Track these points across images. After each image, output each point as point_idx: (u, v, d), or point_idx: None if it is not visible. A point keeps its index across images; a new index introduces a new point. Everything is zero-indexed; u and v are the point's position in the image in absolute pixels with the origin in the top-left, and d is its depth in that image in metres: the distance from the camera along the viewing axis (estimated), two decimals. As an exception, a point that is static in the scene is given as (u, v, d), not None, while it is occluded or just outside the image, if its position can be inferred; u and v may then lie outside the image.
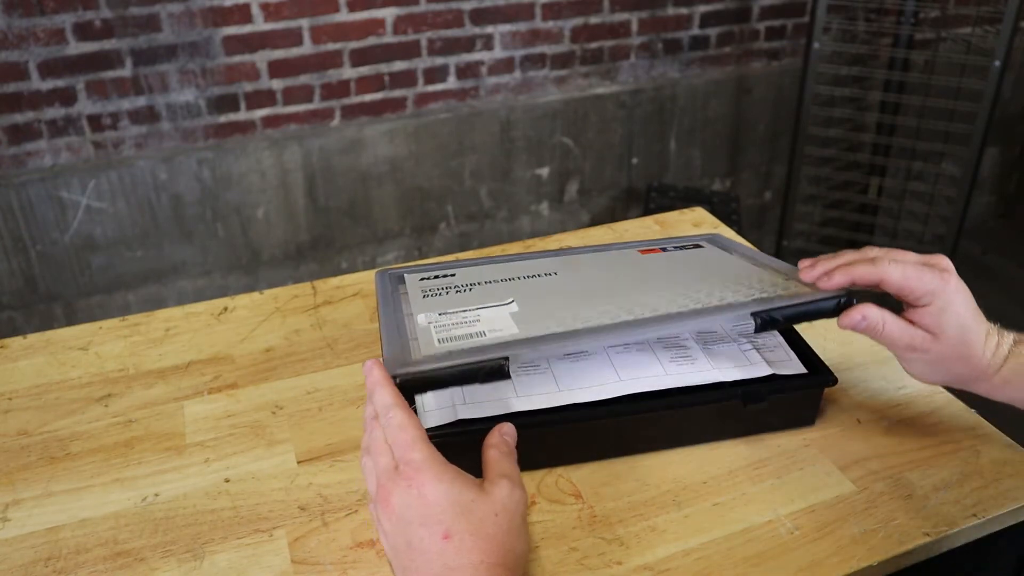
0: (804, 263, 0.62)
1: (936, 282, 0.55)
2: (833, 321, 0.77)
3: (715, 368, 0.63)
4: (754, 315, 0.59)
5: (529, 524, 0.57)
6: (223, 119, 1.81)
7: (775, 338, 0.67)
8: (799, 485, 0.60)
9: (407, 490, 0.46)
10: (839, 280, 0.58)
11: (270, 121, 1.85)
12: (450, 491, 0.46)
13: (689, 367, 0.63)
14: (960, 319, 0.56)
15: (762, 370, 0.63)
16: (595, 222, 2.23)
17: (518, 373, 0.62)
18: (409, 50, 1.89)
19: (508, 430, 0.53)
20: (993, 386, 0.57)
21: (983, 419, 0.66)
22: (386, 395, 0.51)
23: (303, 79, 1.83)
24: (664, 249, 0.77)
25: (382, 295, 0.69)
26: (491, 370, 0.56)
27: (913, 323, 0.57)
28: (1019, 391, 0.56)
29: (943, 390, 0.69)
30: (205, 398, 0.70)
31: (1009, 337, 0.57)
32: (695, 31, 2.12)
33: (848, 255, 0.60)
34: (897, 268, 0.56)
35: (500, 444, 0.52)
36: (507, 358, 0.56)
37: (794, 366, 0.64)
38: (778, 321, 0.60)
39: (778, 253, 2.22)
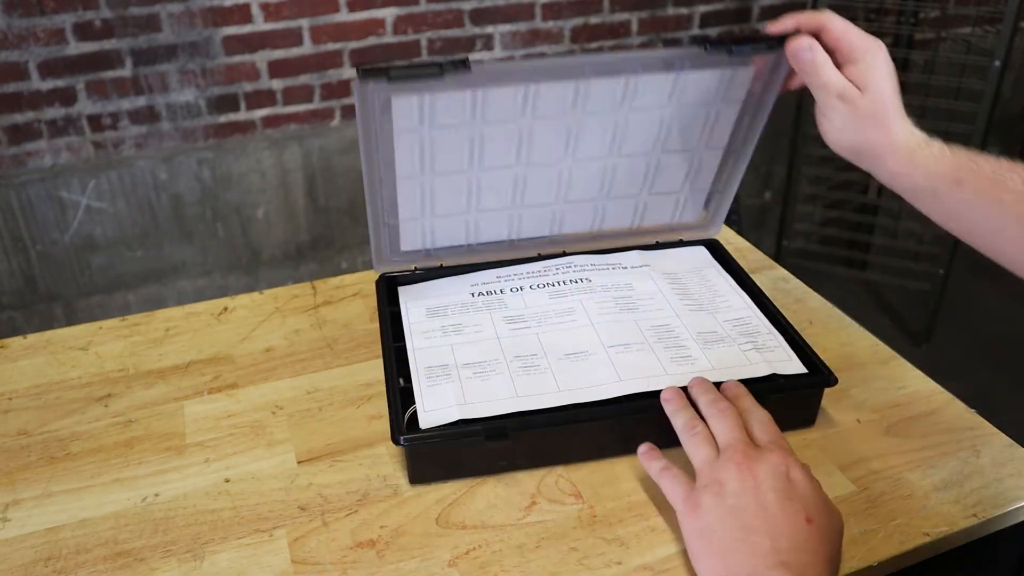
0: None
1: (871, 41, 0.58)
2: (833, 322, 0.78)
3: (715, 368, 0.63)
4: (695, 39, 0.63)
5: (524, 524, 0.57)
6: (223, 119, 1.81)
7: (775, 338, 0.67)
8: (799, 485, 0.60)
9: (776, 465, 0.52)
10: (785, 23, 0.61)
11: (270, 121, 1.85)
12: (814, 486, 0.51)
13: (689, 367, 0.63)
14: (886, 81, 0.58)
15: (762, 370, 0.63)
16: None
17: (518, 373, 0.62)
18: (409, 50, 1.89)
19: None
20: (897, 162, 0.57)
21: (983, 419, 0.66)
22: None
23: (303, 79, 1.83)
24: None
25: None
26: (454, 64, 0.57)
27: None
28: (922, 177, 0.56)
29: (943, 390, 0.69)
30: (205, 398, 0.70)
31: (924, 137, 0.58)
32: (695, 31, 2.13)
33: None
34: (839, 19, 0.59)
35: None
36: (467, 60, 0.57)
37: (794, 366, 0.64)
38: (722, 42, 0.62)
39: (778, 253, 2.22)
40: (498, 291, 0.73)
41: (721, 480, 0.52)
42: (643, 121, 0.68)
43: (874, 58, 0.57)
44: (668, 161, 0.72)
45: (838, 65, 0.59)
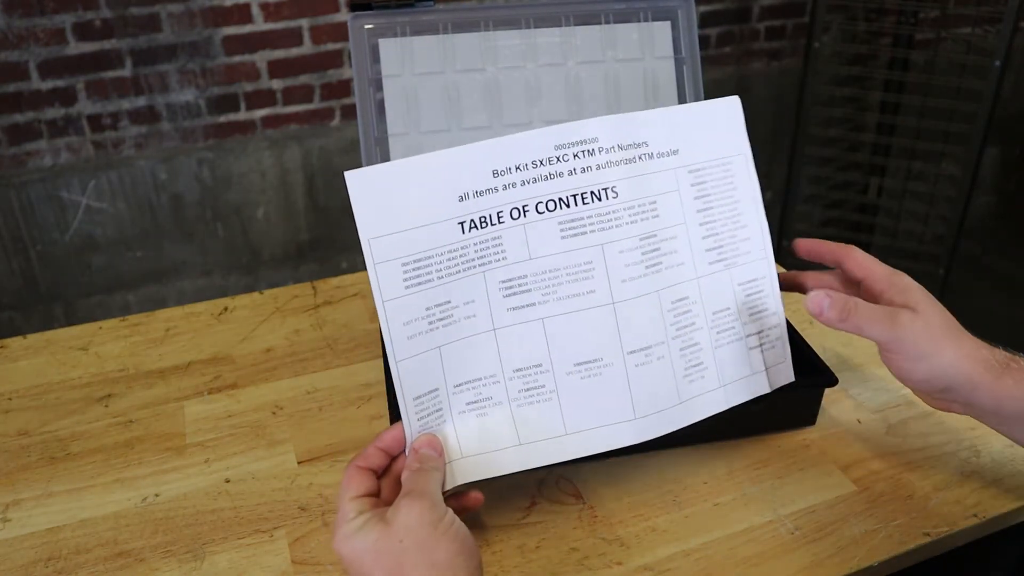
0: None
1: (895, 272, 0.57)
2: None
3: (722, 386, 0.59)
4: None
5: (524, 524, 0.57)
6: (223, 119, 1.81)
7: (781, 327, 0.62)
8: (799, 485, 0.60)
9: (336, 551, 0.48)
10: (806, 246, 0.61)
11: (270, 121, 1.85)
12: (355, 543, 0.46)
13: (701, 386, 0.58)
14: (933, 300, 0.55)
15: (762, 387, 0.60)
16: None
17: (519, 401, 0.54)
18: (409, 50, 1.89)
19: (422, 443, 0.52)
20: (999, 391, 0.51)
21: (983, 419, 0.66)
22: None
23: (303, 79, 1.83)
24: None
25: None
26: None
27: None
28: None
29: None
30: (205, 398, 0.70)
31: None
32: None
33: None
34: (862, 252, 0.58)
35: (411, 463, 0.51)
36: None
37: (783, 372, 0.62)
38: None
39: (778, 253, 2.22)
40: (496, 218, 0.53)
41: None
42: (591, 76, 0.75)
43: (903, 281, 0.56)
44: None
45: (872, 299, 0.57)
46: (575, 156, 0.54)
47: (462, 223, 0.52)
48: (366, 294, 0.84)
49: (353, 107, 1.89)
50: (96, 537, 0.57)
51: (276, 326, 0.79)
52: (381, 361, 0.67)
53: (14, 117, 1.67)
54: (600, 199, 0.54)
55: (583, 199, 0.54)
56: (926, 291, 0.55)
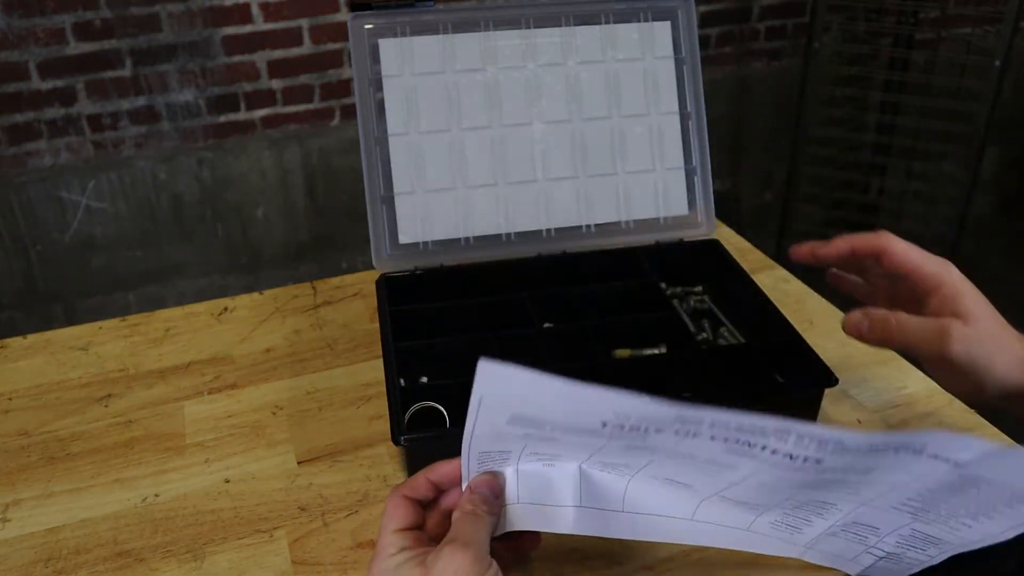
0: (795, 247, 0.57)
1: (940, 263, 0.51)
2: (834, 322, 0.78)
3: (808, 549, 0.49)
4: None
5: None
6: (223, 119, 1.81)
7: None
8: (799, 485, 0.60)
9: None
10: (839, 246, 0.54)
11: (270, 121, 1.85)
12: None
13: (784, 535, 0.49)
14: (982, 300, 0.50)
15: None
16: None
17: (590, 463, 0.46)
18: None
19: (481, 483, 0.46)
20: None
21: (983, 419, 0.66)
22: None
23: (303, 79, 1.83)
24: None
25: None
26: None
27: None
28: None
29: (943, 390, 0.69)
30: (205, 398, 0.70)
31: None
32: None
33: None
34: (901, 241, 0.52)
35: (465, 504, 0.45)
36: None
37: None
38: None
39: (778, 253, 2.22)
40: (647, 430, 0.40)
41: None
42: (591, 76, 0.76)
43: (954, 284, 0.50)
44: (629, 129, 0.77)
45: (915, 297, 0.52)
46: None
47: (605, 423, 0.40)
48: (366, 294, 0.84)
49: (353, 107, 1.89)
50: (96, 537, 0.57)
51: (276, 326, 0.79)
52: (381, 361, 0.67)
53: (14, 117, 1.67)
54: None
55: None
56: (976, 290, 0.51)
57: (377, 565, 0.44)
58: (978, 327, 0.49)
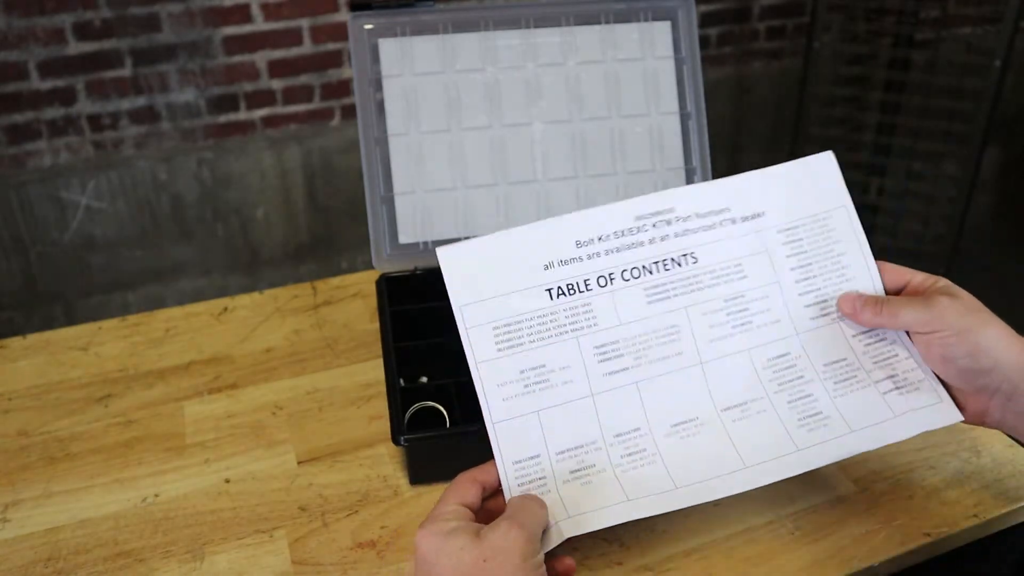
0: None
1: (934, 276, 0.56)
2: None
3: (853, 432, 0.54)
4: None
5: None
6: (223, 119, 1.81)
7: (914, 360, 0.57)
8: (800, 485, 0.60)
9: (416, 541, 0.46)
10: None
11: (270, 121, 1.85)
12: (438, 543, 0.45)
13: (823, 434, 0.54)
14: (967, 292, 0.53)
15: (909, 429, 0.54)
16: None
17: (623, 467, 0.52)
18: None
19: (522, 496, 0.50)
20: None
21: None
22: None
23: (303, 79, 1.83)
24: None
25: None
26: None
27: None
28: None
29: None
30: (205, 398, 0.70)
31: None
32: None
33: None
34: (891, 264, 0.58)
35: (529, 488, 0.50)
36: None
37: (946, 411, 0.55)
38: None
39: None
40: (583, 285, 0.55)
41: None
42: (591, 76, 0.76)
43: (939, 279, 0.55)
44: (629, 128, 0.77)
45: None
46: (654, 226, 0.56)
47: (549, 290, 0.54)
48: (366, 294, 0.84)
49: (353, 107, 1.89)
50: (96, 537, 0.57)
51: (276, 326, 0.79)
52: (381, 361, 0.67)
53: (14, 117, 1.66)
54: (680, 265, 0.56)
55: (664, 266, 0.56)
56: (961, 291, 0.54)
57: (430, 526, 0.46)
58: (965, 299, 0.53)
